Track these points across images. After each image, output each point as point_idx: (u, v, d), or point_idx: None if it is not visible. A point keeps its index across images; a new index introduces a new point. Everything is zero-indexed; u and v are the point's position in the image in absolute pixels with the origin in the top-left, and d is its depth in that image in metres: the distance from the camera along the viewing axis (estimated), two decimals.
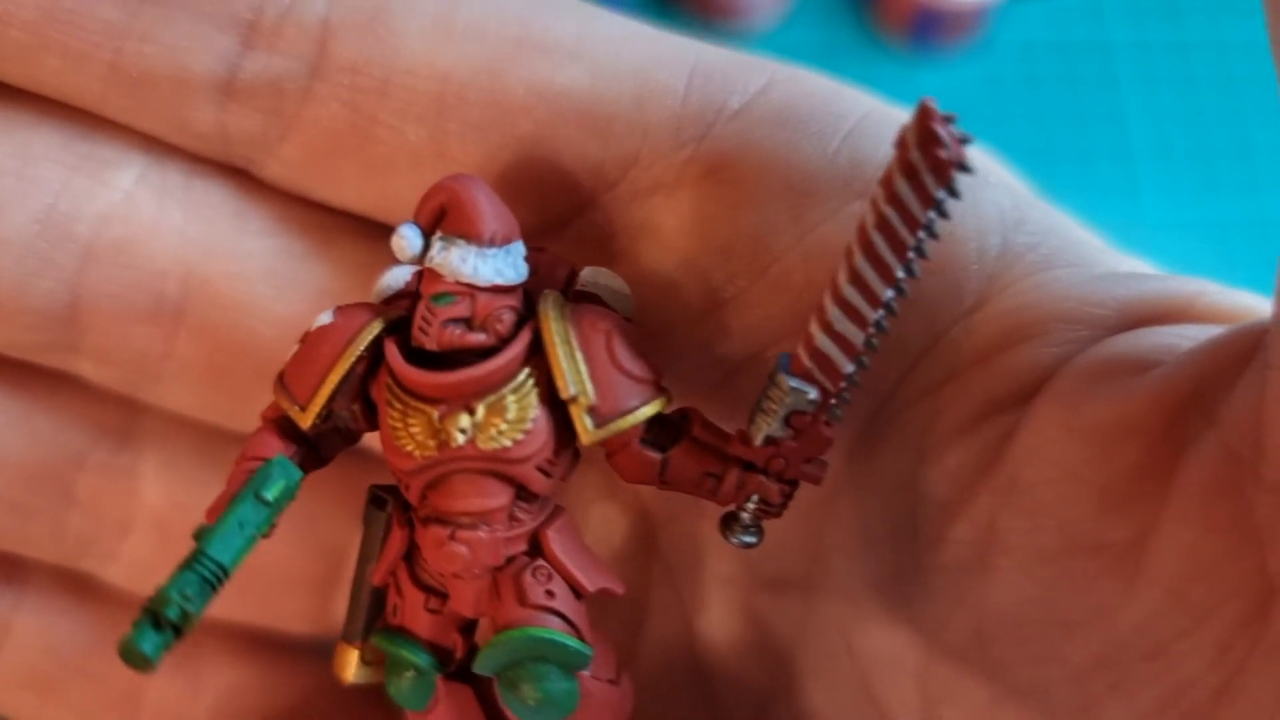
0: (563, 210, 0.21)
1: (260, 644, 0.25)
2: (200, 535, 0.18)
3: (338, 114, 0.21)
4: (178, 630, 0.17)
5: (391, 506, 0.20)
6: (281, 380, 0.19)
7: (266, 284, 0.22)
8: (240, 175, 0.22)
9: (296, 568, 0.24)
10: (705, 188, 0.21)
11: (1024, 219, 0.21)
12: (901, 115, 0.21)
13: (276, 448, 0.19)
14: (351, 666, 0.20)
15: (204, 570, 0.18)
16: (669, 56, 0.21)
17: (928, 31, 0.69)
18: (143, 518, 0.24)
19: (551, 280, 0.19)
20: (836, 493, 0.22)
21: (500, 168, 0.21)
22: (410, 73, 0.20)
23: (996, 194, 0.21)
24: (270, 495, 0.18)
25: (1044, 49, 0.72)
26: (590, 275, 0.19)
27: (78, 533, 0.24)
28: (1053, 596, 0.19)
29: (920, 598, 0.21)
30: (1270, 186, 0.69)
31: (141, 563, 0.24)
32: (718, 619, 0.24)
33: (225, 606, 0.23)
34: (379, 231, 0.22)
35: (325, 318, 0.19)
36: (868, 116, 0.21)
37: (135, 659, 0.17)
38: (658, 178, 0.21)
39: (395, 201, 0.21)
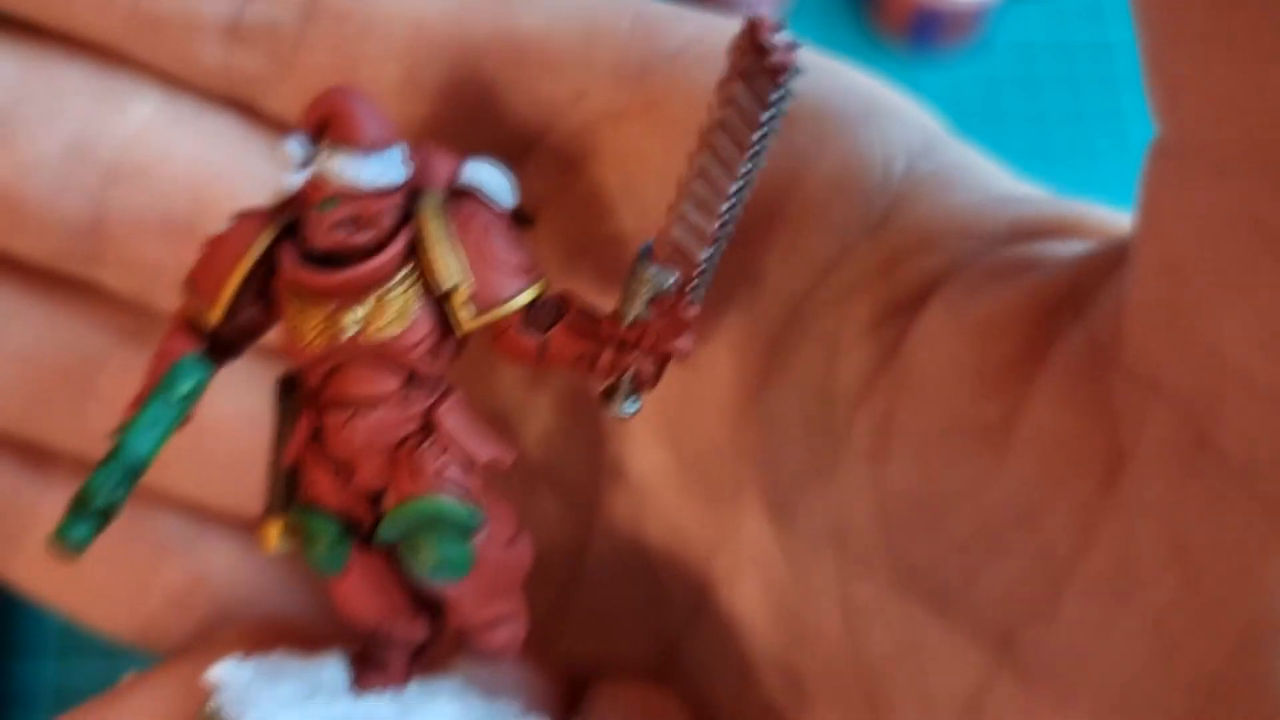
0: (521, 139, 0.24)
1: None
2: (120, 431, 0.21)
3: (327, 54, 0.24)
4: (105, 517, 0.20)
5: (298, 393, 0.22)
6: (190, 283, 0.21)
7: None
8: (244, 108, 0.26)
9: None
10: (646, 120, 0.24)
11: (930, 148, 0.24)
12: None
13: (185, 346, 0.21)
14: (273, 539, 0.22)
15: (122, 463, 0.20)
16: (614, 5, 0.24)
17: (927, 32, 0.69)
18: None
19: (437, 177, 0.21)
20: (754, 397, 0.24)
21: (466, 101, 0.24)
22: (389, 19, 0.24)
23: (905, 126, 0.24)
24: (181, 391, 0.21)
25: (1044, 49, 0.72)
26: (471, 172, 0.21)
27: (97, 426, 0.26)
28: (939, 473, 0.22)
29: (831, 488, 0.24)
30: None
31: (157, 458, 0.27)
32: (661, 515, 0.26)
33: (229, 497, 0.27)
34: None
35: (225, 225, 0.21)
36: None
37: (68, 544, 0.20)
38: (603, 109, 0.24)
39: None
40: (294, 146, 0.19)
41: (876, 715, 0.24)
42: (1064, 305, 0.21)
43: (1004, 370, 0.21)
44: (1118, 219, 0.23)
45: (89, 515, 0.20)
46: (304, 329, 0.20)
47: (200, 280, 0.21)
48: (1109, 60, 0.72)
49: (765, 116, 0.18)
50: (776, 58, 0.17)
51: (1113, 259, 0.21)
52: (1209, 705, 0.19)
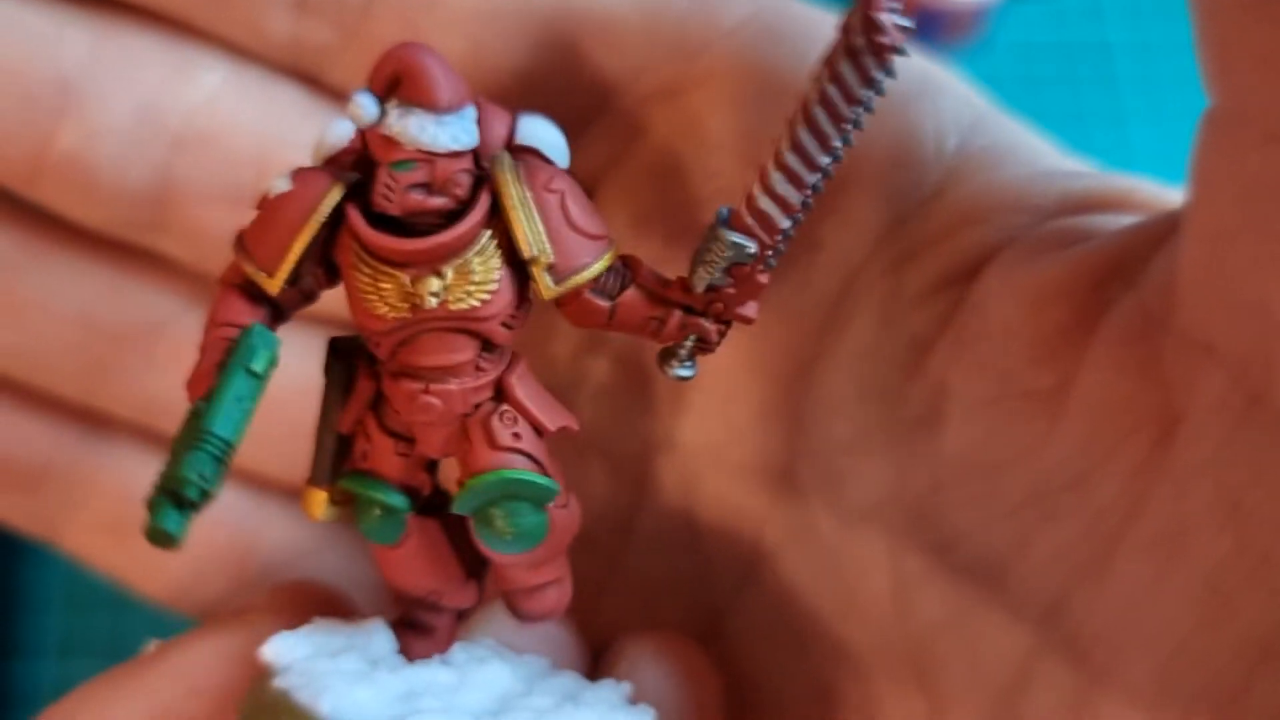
0: (582, 112, 0.25)
1: None
2: (202, 414, 0.19)
3: (392, 26, 0.24)
4: (196, 507, 0.19)
5: (358, 360, 0.21)
6: (242, 245, 0.20)
7: None
8: (309, 79, 0.26)
9: None
10: (704, 94, 0.24)
11: (980, 124, 0.25)
12: None
13: (247, 313, 0.20)
14: (320, 506, 0.22)
15: (213, 449, 0.19)
16: None
17: (928, 31, 0.69)
18: None
19: (495, 135, 0.20)
20: (808, 366, 0.25)
21: (528, 74, 0.24)
22: None
23: (957, 103, 0.25)
24: (259, 368, 0.20)
25: (1044, 49, 0.72)
26: (529, 128, 0.21)
27: (156, 394, 0.28)
28: (991, 439, 0.22)
29: (883, 453, 0.24)
30: None
31: None
32: (711, 486, 0.27)
33: (275, 463, 0.28)
34: None
35: (282, 184, 0.20)
36: None
37: (162, 539, 0.19)
38: (662, 84, 0.24)
39: None
40: (366, 102, 0.19)
41: (925, 685, 0.24)
42: (1115, 275, 0.22)
43: (1057, 337, 0.22)
44: (1165, 193, 0.24)
45: (184, 506, 0.19)
46: (378, 298, 0.20)
47: (258, 242, 0.20)
48: (1109, 60, 0.72)
49: (866, 95, 0.18)
50: (888, 38, 0.18)
51: (1163, 230, 0.21)
52: (1260, 665, 0.19)
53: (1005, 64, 0.71)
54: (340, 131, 0.20)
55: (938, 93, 0.25)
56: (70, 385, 0.28)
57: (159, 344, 0.28)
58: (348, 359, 0.22)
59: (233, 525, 0.29)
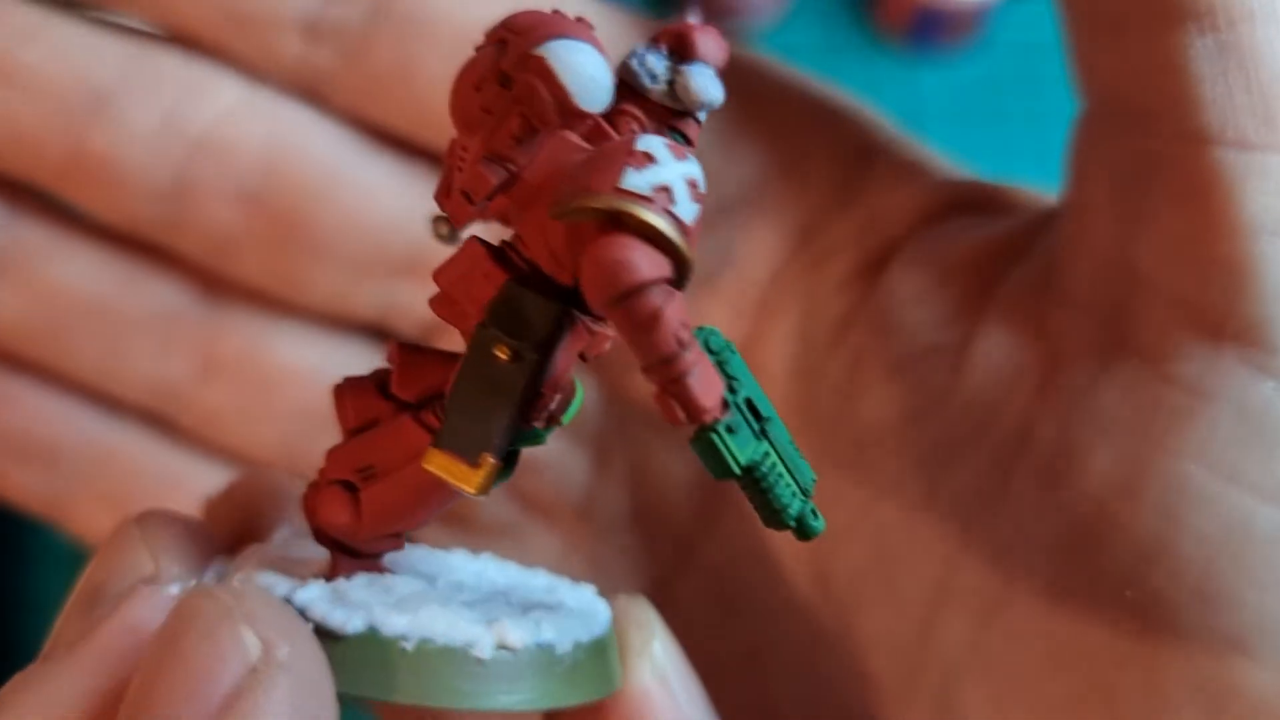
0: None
1: None
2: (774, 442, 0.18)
3: (389, 53, 0.27)
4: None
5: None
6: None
7: (328, 183, 0.29)
8: (315, 97, 0.29)
9: None
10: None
11: (887, 141, 0.29)
12: None
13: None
14: (489, 479, 0.20)
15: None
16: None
17: (927, 31, 0.69)
18: (217, 371, 0.30)
19: None
20: (746, 349, 0.28)
21: None
22: (448, 20, 0.27)
23: (863, 123, 0.29)
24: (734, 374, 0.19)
25: (1044, 49, 0.72)
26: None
27: (166, 379, 0.30)
28: (905, 394, 0.26)
29: (810, 423, 0.27)
30: None
31: (215, 410, 0.30)
32: (658, 462, 0.30)
33: (278, 449, 0.31)
34: (415, 148, 0.29)
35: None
36: None
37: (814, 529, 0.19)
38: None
39: (426, 120, 0.28)
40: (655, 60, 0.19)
41: (847, 625, 0.26)
42: (1007, 252, 0.26)
43: (959, 303, 0.26)
44: (1039, 193, 0.28)
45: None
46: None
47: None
48: None
49: None
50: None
51: (1047, 217, 0.26)
52: (1139, 564, 0.22)
53: (1005, 64, 0.71)
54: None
55: (844, 113, 0.29)
56: (88, 368, 0.30)
57: (170, 333, 0.30)
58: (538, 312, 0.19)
59: None
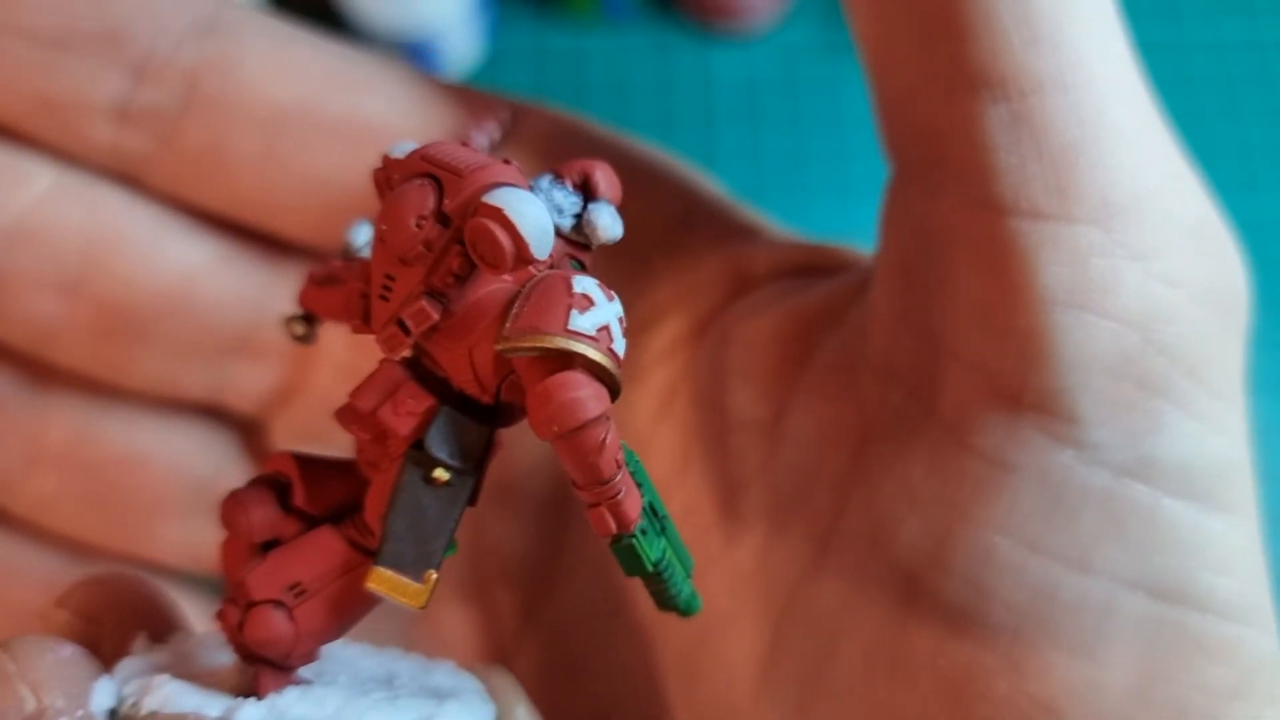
0: (370, 208, 0.29)
1: None
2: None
3: (201, 133, 0.28)
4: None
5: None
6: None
7: (149, 266, 0.29)
8: (131, 180, 0.29)
9: None
10: None
11: (711, 205, 0.29)
12: None
13: None
14: (432, 592, 0.20)
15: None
16: (447, 94, 0.29)
17: None
18: (46, 458, 0.30)
19: None
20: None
21: (317, 174, 0.28)
22: (252, 103, 0.28)
23: (688, 187, 0.29)
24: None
25: None
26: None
27: None
28: (725, 466, 0.26)
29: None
30: (1269, 187, 0.70)
31: (44, 496, 0.30)
32: (536, 485, 0.30)
33: (111, 534, 0.30)
34: (232, 226, 0.30)
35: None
36: None
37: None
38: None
39: (243, 200, 0.29)
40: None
41: (688, 690, 0.27)
42: (821, 320, 0.26)
43: (774, 375, 0.26)
44: (864, 254, 0.28)
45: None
46: None
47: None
48: None
49: None
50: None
51: (861, 283, 0.26)
52: (950, 634, 0.23)
53: None
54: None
55: (671, 177, 0.29)
56: None
57: None
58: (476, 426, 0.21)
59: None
